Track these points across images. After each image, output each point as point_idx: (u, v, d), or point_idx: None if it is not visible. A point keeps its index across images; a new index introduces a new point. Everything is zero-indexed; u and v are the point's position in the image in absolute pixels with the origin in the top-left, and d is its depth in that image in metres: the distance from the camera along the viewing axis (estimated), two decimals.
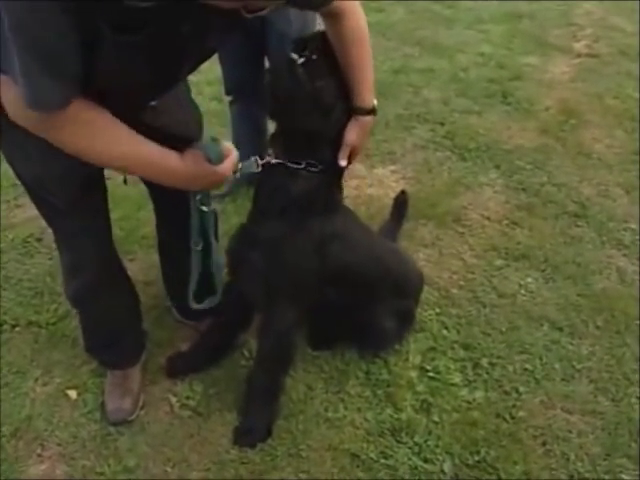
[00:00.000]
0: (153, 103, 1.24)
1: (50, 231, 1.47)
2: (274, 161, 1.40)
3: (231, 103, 2.40)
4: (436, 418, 1.65)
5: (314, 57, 1.30)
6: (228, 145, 1.23)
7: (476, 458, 1.56)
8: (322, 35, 1.32)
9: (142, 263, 2.12)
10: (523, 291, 2.10)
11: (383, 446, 1.59)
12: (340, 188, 1.52)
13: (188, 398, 1.69)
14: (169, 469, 1.53)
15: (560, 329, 1.96)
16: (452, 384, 1.75)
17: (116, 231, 1.54)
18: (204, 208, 1.36)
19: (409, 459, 1.56)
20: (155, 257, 1.88)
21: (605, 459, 1.59)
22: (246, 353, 1.81)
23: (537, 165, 2.80)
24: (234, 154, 1.23)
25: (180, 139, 1.26)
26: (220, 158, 1.19)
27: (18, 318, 1.92)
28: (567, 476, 1.55)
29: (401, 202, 2.12)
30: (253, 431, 1.58)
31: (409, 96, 3.35)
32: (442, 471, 1.54)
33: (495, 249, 2.28)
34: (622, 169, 2.82)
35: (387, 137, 2.95)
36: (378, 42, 3.82)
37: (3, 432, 1.59)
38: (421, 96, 3.37)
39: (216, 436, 1.60)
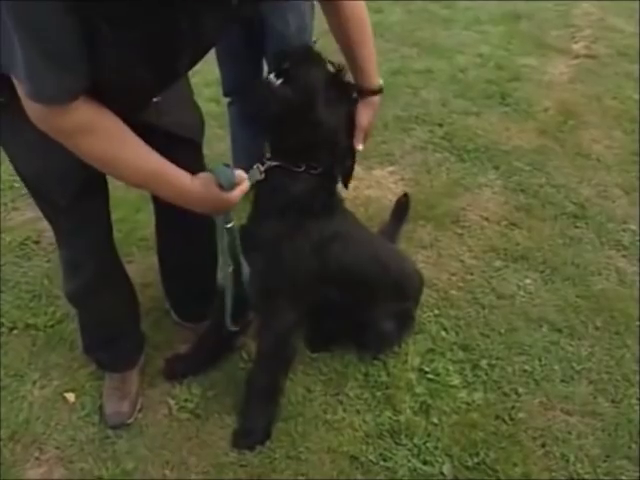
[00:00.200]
0: (156, 99, 1.23)
1: (47, 234, 1.47)
2: (275, 164, 1.39)
3: (229, 105, 2.40)
4: (435, 420, 1.65)
5: (297, 71, 1.28)
6: (241, 173, 1.21)
7: (475, 460, 1.56)
8: (308, 49, 1.30)
9: (140, 265, 2.11)
10: (522, 292, 2.10)
11: (382, 448, 1.58)
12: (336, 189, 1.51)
13: (186, 401, 1.68)
14: (168, 472, 1.52)
15: (559, 330, 1.96)
16: (451, 386, 1.75)
17: (114, 233, 1.53)
18: (229, 225, 1.33)
19: (408, 461, 1.55)
20: (153, 259, 1.88)
21: (605, 460, 1.59)
22: (245, 355, 1.80)
23: (536, 166, 2.79)
24: (246, 184, 1.21)
25: (182, 140, 1.26)
26: (231, 185, 1.17)
27: (16, 321, 1.91)
28: (567, 478, 1.54)
29: (402, 204, 2.11)
30: (252, 433, 1.58)
31: (408, 97, 3.35)
32: (441, 473, 1.53)
33: (494, 250, 2.28)
34: (621, 170, 2.81)
35: (386, 138, 2.95)
36: (376, 43, 3.69)
37: (1, 435, 1.59)
38: (420, 97, 3.37)
39: (215, 439, 1.60)
